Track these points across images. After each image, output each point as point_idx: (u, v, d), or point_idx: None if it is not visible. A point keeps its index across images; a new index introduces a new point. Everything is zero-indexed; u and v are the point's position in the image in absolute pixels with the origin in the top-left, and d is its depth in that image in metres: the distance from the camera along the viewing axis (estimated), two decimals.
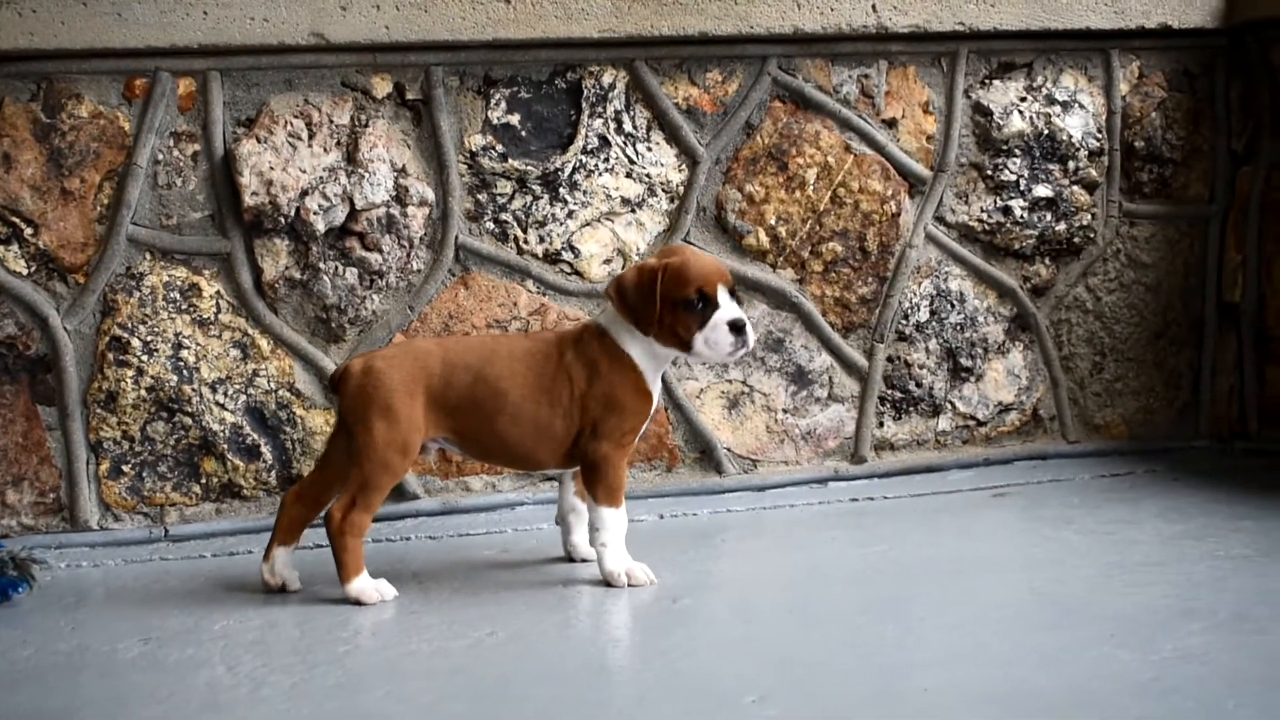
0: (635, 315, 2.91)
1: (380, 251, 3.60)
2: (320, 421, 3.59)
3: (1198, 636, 2.45)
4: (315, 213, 3.54)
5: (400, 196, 3.60)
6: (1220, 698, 2.15)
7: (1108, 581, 2.87)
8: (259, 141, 3.51)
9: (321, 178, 3.55)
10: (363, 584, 2.87)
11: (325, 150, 3.56)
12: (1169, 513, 3.46)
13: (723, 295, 2.90)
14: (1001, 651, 2.42)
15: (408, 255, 3.62)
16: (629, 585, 2.92)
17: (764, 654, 2.50)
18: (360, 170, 3.57)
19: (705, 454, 3.85)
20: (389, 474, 2.89)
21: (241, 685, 2.39)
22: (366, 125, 3.59)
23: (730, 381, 3.85)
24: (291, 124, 3.54)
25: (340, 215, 3.57)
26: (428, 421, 2.92)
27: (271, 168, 3.51)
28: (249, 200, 3.50)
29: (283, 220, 3.52)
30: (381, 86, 3.61)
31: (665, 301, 2.87)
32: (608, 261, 3.76)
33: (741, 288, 3.85)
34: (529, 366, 2.96)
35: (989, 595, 2.80)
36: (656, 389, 3.02)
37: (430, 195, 3.63)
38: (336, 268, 3.58)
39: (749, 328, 2.92)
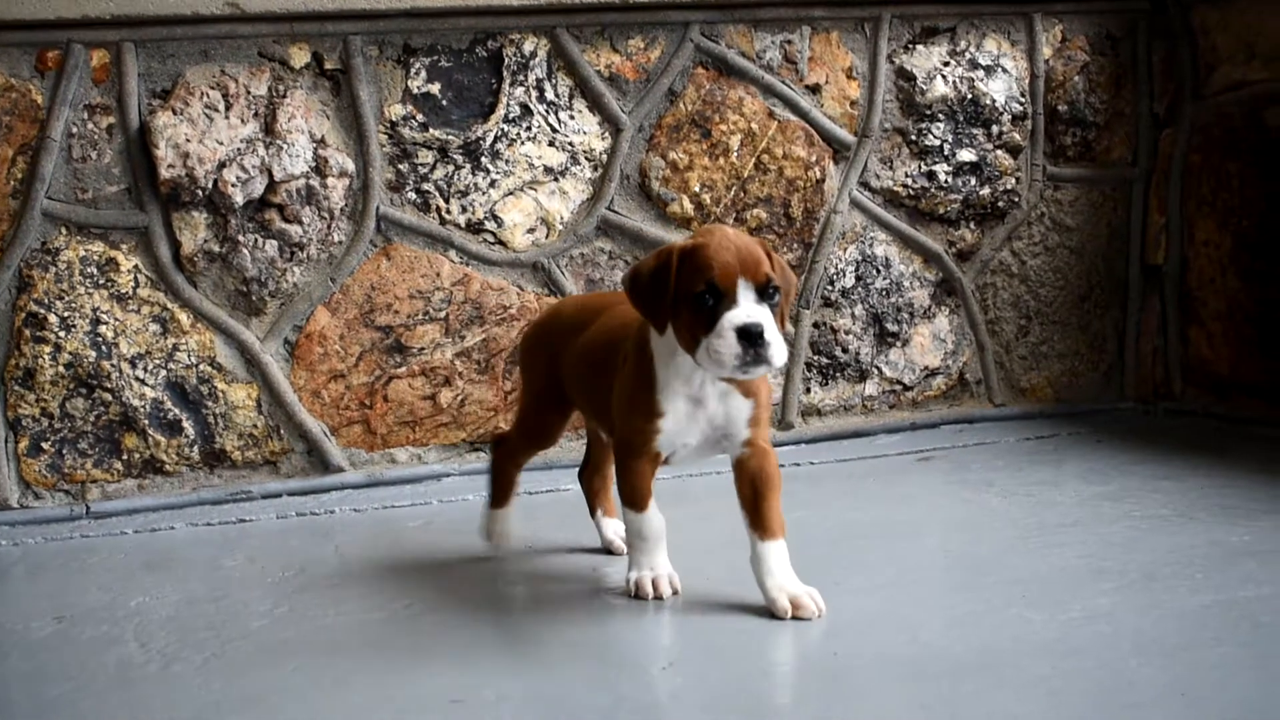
0: (647, 309, 2.42)
1: (300, 223, 3.57)
2: (242, 395, 3.57)
3: (1107, 596, 2.48)
4: (233, 185, 3.51)
5: (320, 167, 3.58)
6: (1123, 657, 2.18)
7: (1024, 543, 2.90)
8: (175, 113, 3.48)
9: (239, 149, 3.52)
10: None
11: (242, 121, 3.53)
12: (1090, 474, 3.50)
13: (744, 291, 2.31)
14: (912, 614, 2.44)
15: (328, 227, 3.60)
16: (634, 596, 2.59)
17: (678, 620, 2.51)
18: (279, 141, 3.54)
19: None
20: None
21: (153, 662, 2.38)
22: (284, 96, 3.56)
23: None
24: (208, 95, 3.50)
25: (259, 187, 3.54)
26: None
27: (188, 140, 3.47)
28: (165, 173, 3.47)
29: (200, 193, 3.49)
30: (299, 56, 3.58)
31: (678, 295, 2.35)
32: (531, 231, 3.75)
33: None
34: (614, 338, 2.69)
35: (905, 559, 2.82)
36: (677, 402, 2.46)
37: (350, 166, 3.61)
38: (256, 240, 3.55)
39: (769, 335, 2.30)
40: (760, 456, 2.53)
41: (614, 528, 2.99)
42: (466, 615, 2.59)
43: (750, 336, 2.27)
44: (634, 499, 2.57)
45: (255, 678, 2.28)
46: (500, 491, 2.98)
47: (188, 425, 3.56)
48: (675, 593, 2.58)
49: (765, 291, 2.33)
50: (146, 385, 3.53)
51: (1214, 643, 2.23)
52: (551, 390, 2.85)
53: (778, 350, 2.30)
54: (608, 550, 2.98)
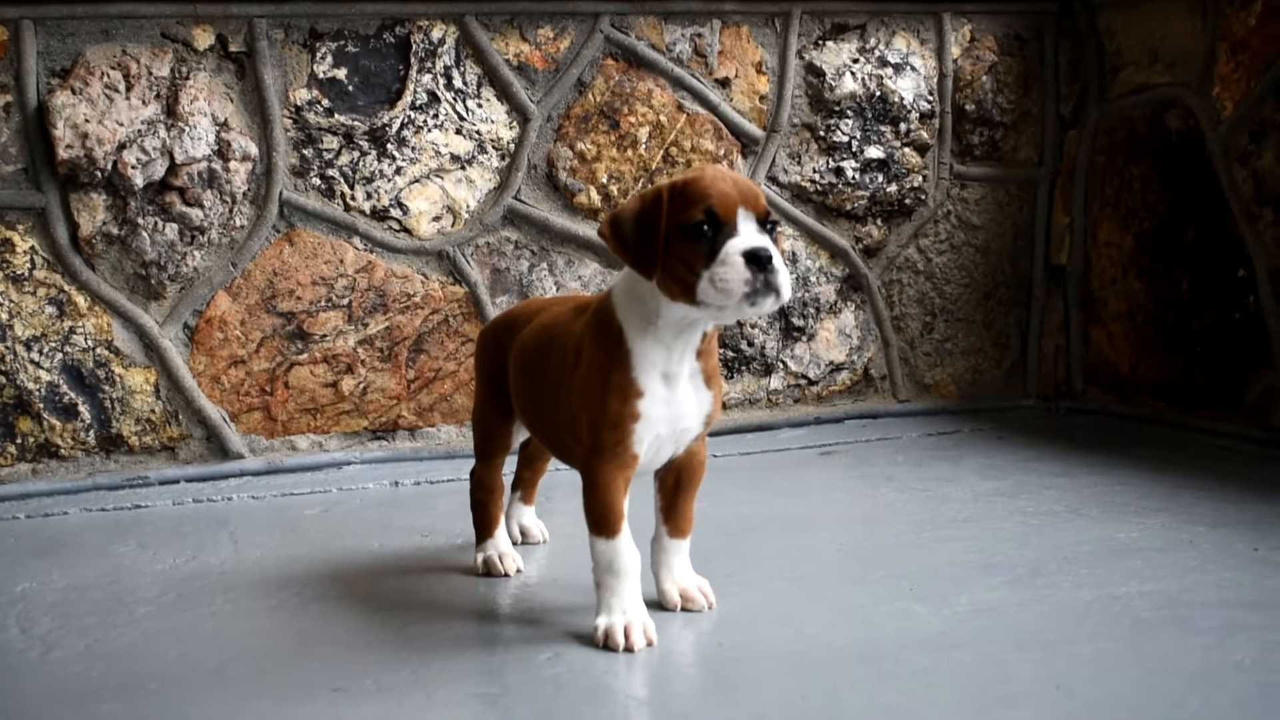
0: (633, 254, 2.15)
1: (201, 207, 3.54)
2: (140, 380, 3.53)
3: (993, 591, 2.51)
4: (133, 167, 3.47)
5: (222, 151, 3.54)
6: (1003, 650, 2.20)
7: (916, 537, 2.92)
8: (74, 93, 3.43)
9: (140, 131, 3.48)
10: None
11: (144, 103, 3.49)
12: (987, 470, 3.54)
13: (744, 221, 2.12)
14: (800, 607, 2.45)
15: (230, 211, 3.57)
16: (604, 647, 2.25)
17: (563, 610, 2.51)
18: (180, 124, 3.50)
19: None
20: None
21: (34, 648, 2.35)
22: (187, 78, 3.52)
23: None
24: (108, 75, 3.46)
25: (159, 170, 3.50)
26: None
27: (87, 120, 3.43)
28: (64, 153, 3.42)
29: (99, 174, 3.45)
30: (203, 38, 3.54)
31: (671, 233, 2.12)
32: (437, 219, 3.73)
33: (572, 246, 3.86)
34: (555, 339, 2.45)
35: (798, 552, 2.84)
36: (654, 381, 2.23)
37: (254, 150, 3.58)
38: (156, 223, 3.51)
39: (778, 262, 2.11)
40: (698, 449, 2.41)
41: (528, 516, 2.96)
42: (355, 604, 2.57)
43: (759, 261, 2.07)
44: (607, 521, 2.25)
45: (136, 665, 2.25)
46: (480, 524, 2.77)
47: (84, 409, 3.52)
48: (650, 644, 2.26)
49: (765, 224, 2.14)
50: (42, 368, 3.48)
51: (1092, 637, 2.26)
52: (499, 397, 2.68)
53: (786, 280, 2.10)
54: (518, 541, 2.92)
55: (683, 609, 2.44)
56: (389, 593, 2.69)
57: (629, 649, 2.22)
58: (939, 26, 4.17)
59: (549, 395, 2.39)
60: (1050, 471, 3.49)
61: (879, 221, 4.15)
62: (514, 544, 2.86)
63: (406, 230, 3.72)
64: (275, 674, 2.20)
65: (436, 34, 3.70)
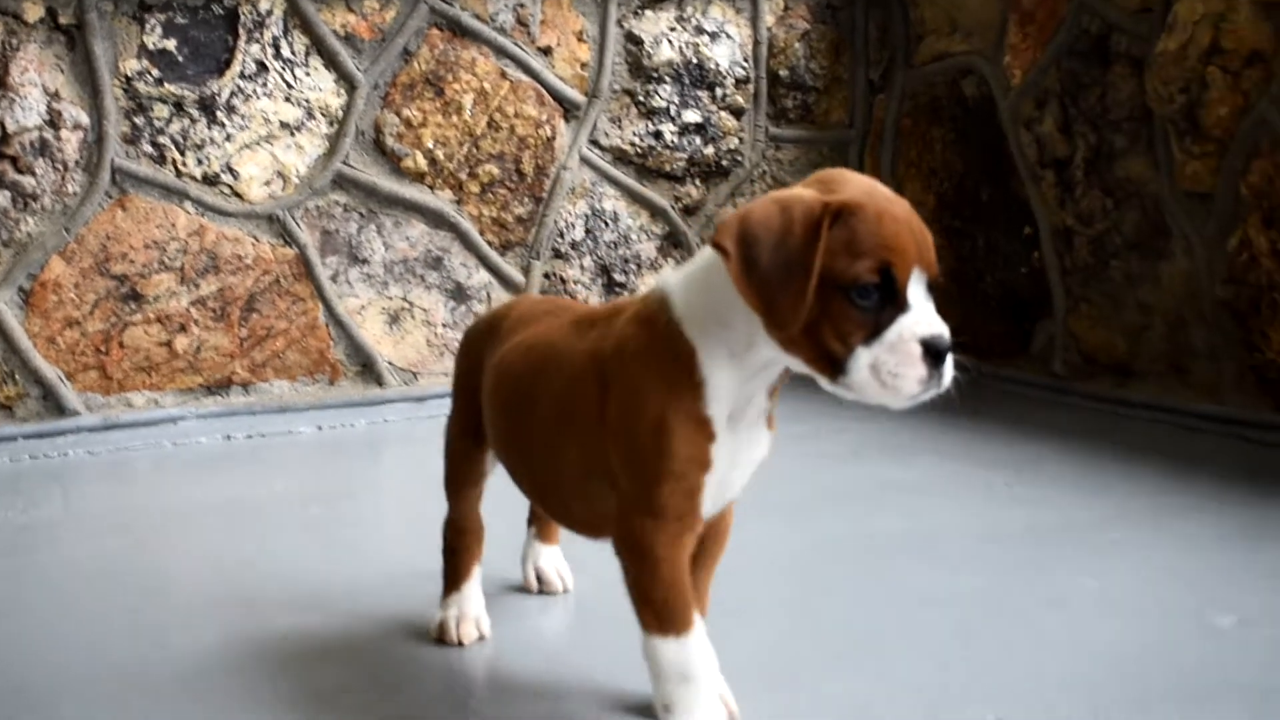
0: (765, 294, 1.52)
1: (34, 174, 3.68)
2: None
3: (760, 526, 2.67)
4: None
5: (54, 120, 3.69)
6: (749, 579, 2.41)
7: None
8: None
9: None
10: None
11: None
12: (792, 417, 3.63)
13: (917, 287, 1.54)
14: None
15: (62, 178, 3.72)
16: None
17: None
18: (11, 94, 3.64)
19: (367, 367, 4.05)
20: None
21: None
22: (18, 49, 3.65)
23: (391, 298, 4.05)
24: None
25: None
26: None
27: None
28: None
29: None
30: (33, 11, 3.66)
31: (823, 281, 1.51)
32: (267, 184, 3.90)
33: (399, 209, 4.05)
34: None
35: None
36: (721, 417, 1.63)
37: (85, 119, 3.72)
38: None
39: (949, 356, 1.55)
40: (729, 508, 1.84)
41: (549, 558, 2.38)
42: (180, 553, 2.75)
43: (938, 355, 1.53)
44: (676, 611, 1.65)
45: None
46: (447, 574, 2.19)
47: None
48: None
49: (934, 286, 1.57)
50: None
51: (836, 564, 2.51)
52: (471, 417, 2.11)
53: (951, 370, 1.56)
54: (534, 589, 2.38)
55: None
56: (215, 540, 2.85)
57: None
58: None
59: (545, 439, 1.82)
60: (847, 416, 3.72)
61: (697, 182, 4.39)
62: (531, 592, 2.37)
63: (237, 195, 3.89)
64: (77, 608, 2.38)
65: (264, 5, 3.86)
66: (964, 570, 2.47)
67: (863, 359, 1.52)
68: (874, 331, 1.52)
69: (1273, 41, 3.23)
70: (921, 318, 1.53)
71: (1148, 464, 3.16)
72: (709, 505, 1.67)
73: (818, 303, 1.52)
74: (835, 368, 1.54)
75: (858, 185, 1.58)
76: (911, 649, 2.08)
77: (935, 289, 1.57)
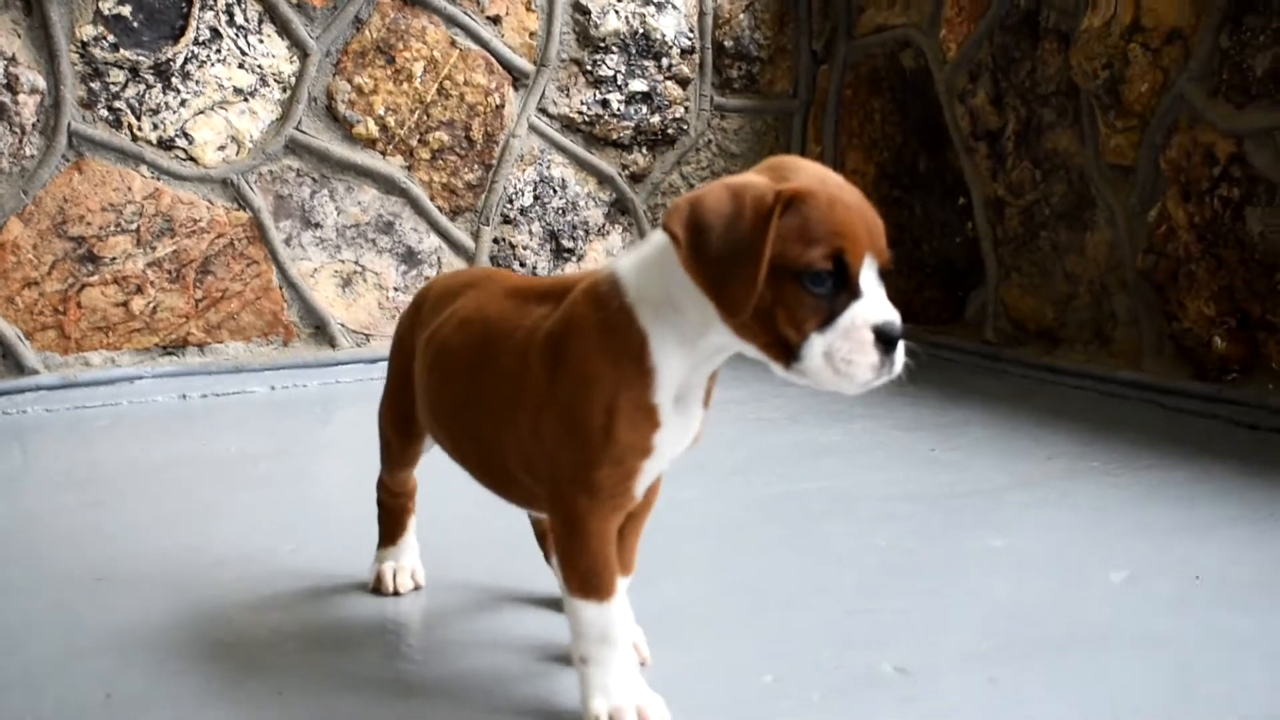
0: (717, 280, 1.52)
1: None
2: None
3: (695, 488, 2.83)
4: None
5: (11, 85, 3.76)
6: (681, 538, 2.54)
7: None
8: None
9: None
10: None
11: None
12: (733, 382, 3.90)
13: (869, 274, 1.54)
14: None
15: (20, 141, 3.80)
16: None
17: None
18: None
19: (320, 329, 4.16)
20: None
21: None
22: None
23: (343, 262, 4.15)
24: None
25: None
26: None
27: None
28: None
29: None
30: None
31: (776, 268, 1.51)
32: (221, 148, 3.99)
33: (351, 174, 4.15)
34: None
35: None
36: (667, 403, 1.63)
37: (41, 84, 3.80)
38: None
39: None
40: (659, 480, 1.87)
41: None
42: (134, 508, 2.84)
43: (890, 342, 1.53)
44: (601, 580, 1.70)
45: None
46: (381, 529, 2.29)
47: None
48: None
49: (884, 272, 1.56)
50: None
51: (765, 524, 2.63)
52: (404, 398, 2.14)
53: (902, 356, 1.57)
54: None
55: None
56: (164, 493, 2.96)
57: None
58: None
59: (487, 414, 1.82)
60: (782, 382, 3.86)
61: (644, 150, 4.50)
62: None
63: (192, 159, 3.98)
64: (42, 568, 2.49)
65: None
66: (880, 530, 2.58)
67: (816, 346, 1.52)
68: (827, 318, 1.52)
69: (1191, 20, 3.36)
70: (874, 305, 1.53)
71: (1068, 429, 3.29)
72: (643, 485, 1.69)
73: (771, 290, 1.52)
74: (789, 354, 1.54)
75: (810, 173, 1.58)
76: (822, 603, 2.20)
77: (887, 276, 1.56)
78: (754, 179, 1.57)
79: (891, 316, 1.53)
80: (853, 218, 1.52)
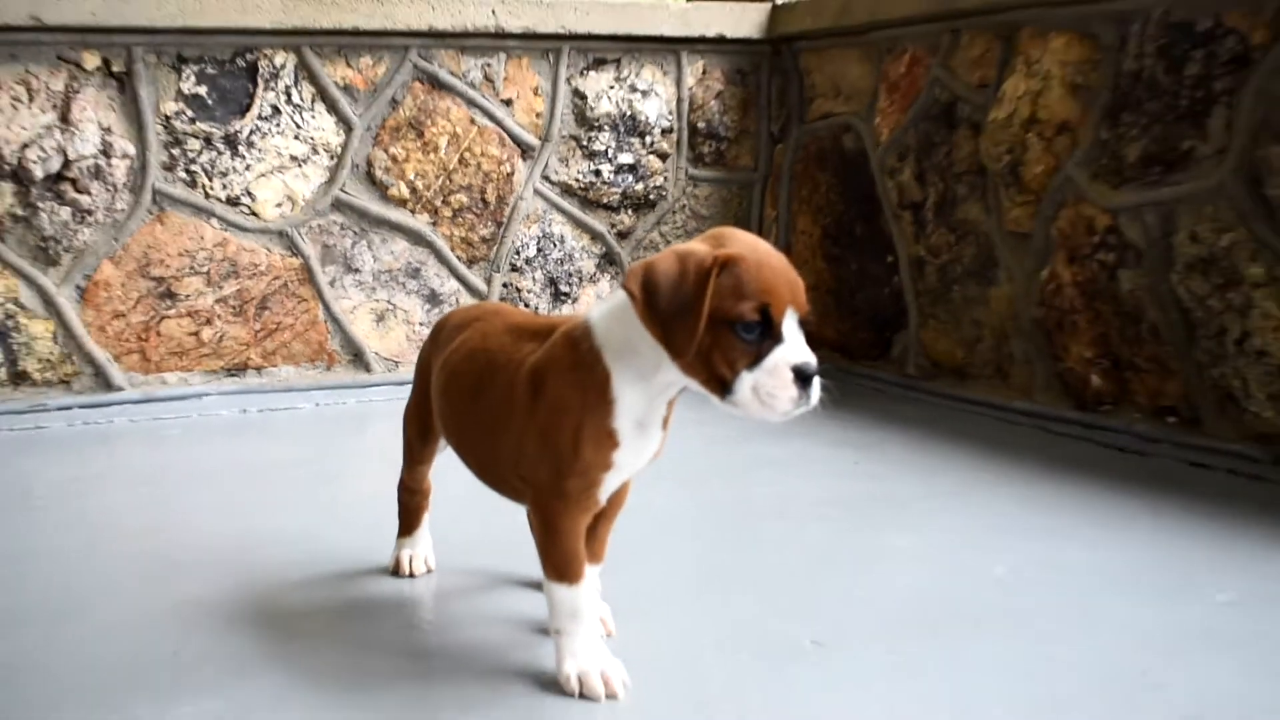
0: (665, 329, 1.63)
1: (89, 194, 3.84)
2: (41, 329, 3.83)
3: (654, 493, 2.86)
4: (34, 162, 3.75)
5: (106, 150, 3.84)
6: (646, 533, 2.63)
7: None
8: None
9: (40, 134, 3.76)
10: None
11: (43, 111, 3.76)
12: (698, 403, 3.98)
13: (790, 323, 1.65)
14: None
15: (113, 197, 3.88)
16: (579, 695, 1.80)
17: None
18: (72, 129, 3.79)
19: (357, 356, 4.23)
20: None
21: None
22: (78, 92, 3.80)
23: (378, 301, 4.23)
24: (14, 90, 3.73)
25: (56, 164, 3.78)
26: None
27: None
28: None
29: (7, 168, 3.73)
30: (91, 61, 3.81)
31: (714, 319, 1.62)
32: (279, 205, 4.07)
33: (385, 228, 4.23)
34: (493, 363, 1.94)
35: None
36: (627, 428, 1.73)
37: (131, 150, 3.88)
38: (53, 207, 3.80)
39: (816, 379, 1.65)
40: (628, 484, 1.97)
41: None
42: (198, 502, 2.90)
43: (806, 378, 1.63)
44: (571, 568, 1.80)
45: (32, 541, 2.56)
46: (401, 522, 2.39)
47: None
48: (625, 686, 1.82)
49: (803, 323, 1.68)
50: None
51: (713, 523, 2.70)
52: (426, 407, 2.22)
53: (818, 391, 1.67)
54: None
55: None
56: (224, 494, 3.04)
57: (611, 695, 1.79)
58: (678, 62, 4.58)
59: (486, 428, 1.91)
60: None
61: (629, 212, 4.58)
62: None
63: (254, 214, 4.05)
64: (115, 540, 2.57)
65: (279, 60, 4.02)
66: (808, 529, 2.66)
67: (746, 382, 1.62)
68: (755, 359, 1.62)
69: (1079, 115, 3.46)
70: (793, 348, 1.63)
71: (970, 449, 3.36)
72: (606, 492, 1.80)
73: (710, 336, 1.61)
74: (724, 388, 1.64)
75: (743, 241, 1.67)
76: (756, 587, 2.29)
77: (805, 324, 1.66)
78: (697, 246, 1.67)
79: (808, 358, 1.63)
80: (777, 278, 1.63)
